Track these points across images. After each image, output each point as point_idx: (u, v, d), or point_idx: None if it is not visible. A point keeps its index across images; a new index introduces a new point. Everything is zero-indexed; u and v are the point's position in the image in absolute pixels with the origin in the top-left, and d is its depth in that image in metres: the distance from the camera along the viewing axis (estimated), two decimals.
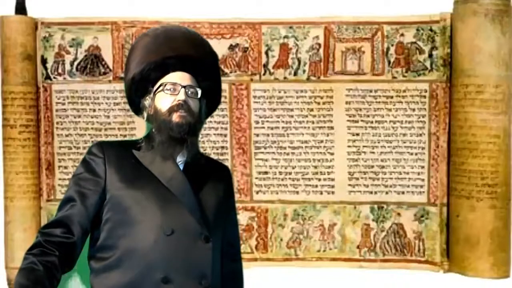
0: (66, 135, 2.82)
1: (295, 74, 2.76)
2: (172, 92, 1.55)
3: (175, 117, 1.52)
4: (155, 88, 1.58)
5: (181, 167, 1.57)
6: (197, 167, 1.59)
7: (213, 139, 2.78)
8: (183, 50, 1.58)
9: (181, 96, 1.54)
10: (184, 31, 1.67)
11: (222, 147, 2.79)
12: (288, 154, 2.78)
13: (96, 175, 1.52)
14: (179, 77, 1.57)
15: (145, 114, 1.62)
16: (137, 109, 1.67)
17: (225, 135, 2.79)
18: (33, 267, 1.38)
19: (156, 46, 1.58)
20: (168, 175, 1.52)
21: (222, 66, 2.73)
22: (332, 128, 2.77)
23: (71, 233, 1.47)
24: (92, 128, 2.81)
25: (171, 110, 1.53)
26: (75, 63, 2.80)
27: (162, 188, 1.51)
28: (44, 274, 1.37)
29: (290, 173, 2.78)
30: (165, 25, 1.73)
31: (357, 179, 2.76)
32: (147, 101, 1.60)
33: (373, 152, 2.75)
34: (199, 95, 1.58)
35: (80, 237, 1.48)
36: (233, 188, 1.76)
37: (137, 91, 1.62)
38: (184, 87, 1.55)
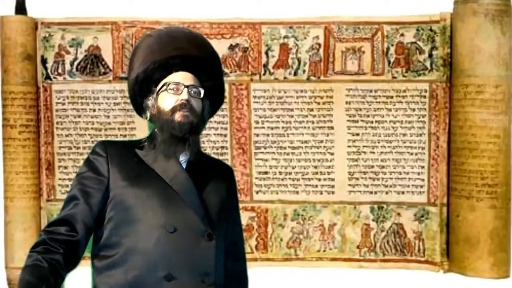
0: (66, 135, 2.82)
1: (295, 74, 2.77)
2: (175, 91, 1.56)
3: (178, 116, 1.53)
4: (158, 87, 1.59)
5: (184, 166, 1.58)
6: (200, 166, 1.60)
7: (213, 139, 2.78)
8: (187, 50, 1.59)
9: (184, 95, 1.54)
10: (186, 32, 1.69)
11: (222, 147, 2.79)
12: (288, 154, 2.78)
13: (99, 174, 1.53)
14: (182, 77, 1.58)
15: (148, 114, 1.63)
16: (140, 109, 1.68)
17: (225, 135, 2.79)
18: (38, 264, 1.38)
19: (160, 46, 1.60)
20: (171, 174, 1.53)
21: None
22: (332, 128, 2.77)
23: (75, 231, 1.47)
24: (92, 128, 2.81)
25: (174, 110, 1.54)
26: (75, 63, 2.80)
27: (165, 187, 1.52)
28: (49, 272, 1.37)
29: (290, 173, 2.78)
30: (168, 26, 1.74)
31: (357, 179, 2.76)
32: (150, 101, 1.61)
33: (373, 152, 2.76)
34: (201, 95, 1.59)
35: (84, 235, 1.49)
36: (236, 187, 1.77)
37: (141, 91, 1.63)
38: (187, 86, 1.56)
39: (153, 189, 1.51)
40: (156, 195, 1.50)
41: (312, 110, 2.77)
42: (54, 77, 2.80)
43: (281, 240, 2.78)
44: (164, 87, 1.57)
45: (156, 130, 1.59)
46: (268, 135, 2.78)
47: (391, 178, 2.75)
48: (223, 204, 1.61)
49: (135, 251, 1.47)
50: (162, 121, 1.55)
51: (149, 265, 1.45)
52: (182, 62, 1.58)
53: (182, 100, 1.54)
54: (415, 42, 2.72)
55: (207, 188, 1.58)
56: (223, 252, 1.60)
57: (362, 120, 2.76)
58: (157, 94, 1.59)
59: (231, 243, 1.67)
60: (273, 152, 2.78)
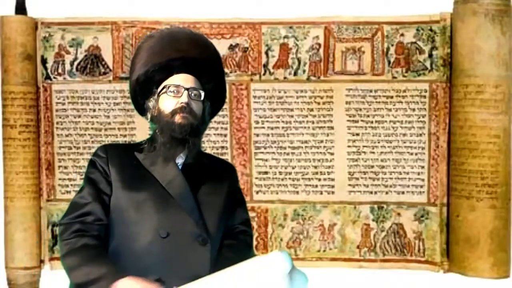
0: (66, 135, 2.82)
1: (295, 74, 2.77)
2: (175, 94, 1.56)
3: (178, 119, 1.54)
4: (159, 89, 1.60)
5: (180, 168, 1.58)
6: (199, 168, 1.60)
7: (213, 139, 2.78)
8: (188, 52, 1.60)
9: (184, 98, 1.55)
10: (189, 33, 1.69)
11: (222, 147, 2.79)
12: (288, 154, 2.78)
13: (102, 173, 1.56)
14: (183, 79, 1.59)
15: (149, 115, 1.64)
16: (142, 109, 1.68)
17: (225, 135, 2.79)
18: (88, 243, 1.44)
19: (161, 48, 1.60)
20: (168, 178, 1.54)
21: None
22: (332, 128, 2.77)
23: (101, 219, 1.51)
24: (92, 128, 2.81)
25: (174, 112, 1.55)
26: (75, 63, 2.80)
27: (161, 191, 1.52)
28: (102, 249, 1.45)
29: (290, 173, 2.78)
30: (170, 27, 1.75)
31: (357, 179, 2.76)
32: (151, 102, 1.62)
33: (373, 152, 2.76)
34: (202, 97, 1.60)
35: (107, 223, 1.52)
36: (238, 184, 1.77)
37: (142, 92, 1.64)
38: (187, 89, 1.57)
39: (149, 193, 1.52)
40: (151, 199, 1.51)
41: (312, 110, 2.77)
42: (54, 77, 2.80)
43: (281, 240, 2.78)
44: (165, 89, 1.58)
45: (157, 131, 1.59)
46: (268, 135, 2.78)
47: (391, 178, 2.75)
48: (223, 205, 1.61)
49: (126, 253, 1.48)
50: (162, 123, 1.56)
51: (141, 269, 1.45)
52: (183, 64, 1.59)
53: (182, 103, 1.55)
54: (415, 42, 2.72)
55: (206, 191, 1.58)
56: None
57: (362, 120, 2.76)
58: (158, 95, 1.60)
59: (238, 225, 1.66)
60: (273, 152, 2.78)
